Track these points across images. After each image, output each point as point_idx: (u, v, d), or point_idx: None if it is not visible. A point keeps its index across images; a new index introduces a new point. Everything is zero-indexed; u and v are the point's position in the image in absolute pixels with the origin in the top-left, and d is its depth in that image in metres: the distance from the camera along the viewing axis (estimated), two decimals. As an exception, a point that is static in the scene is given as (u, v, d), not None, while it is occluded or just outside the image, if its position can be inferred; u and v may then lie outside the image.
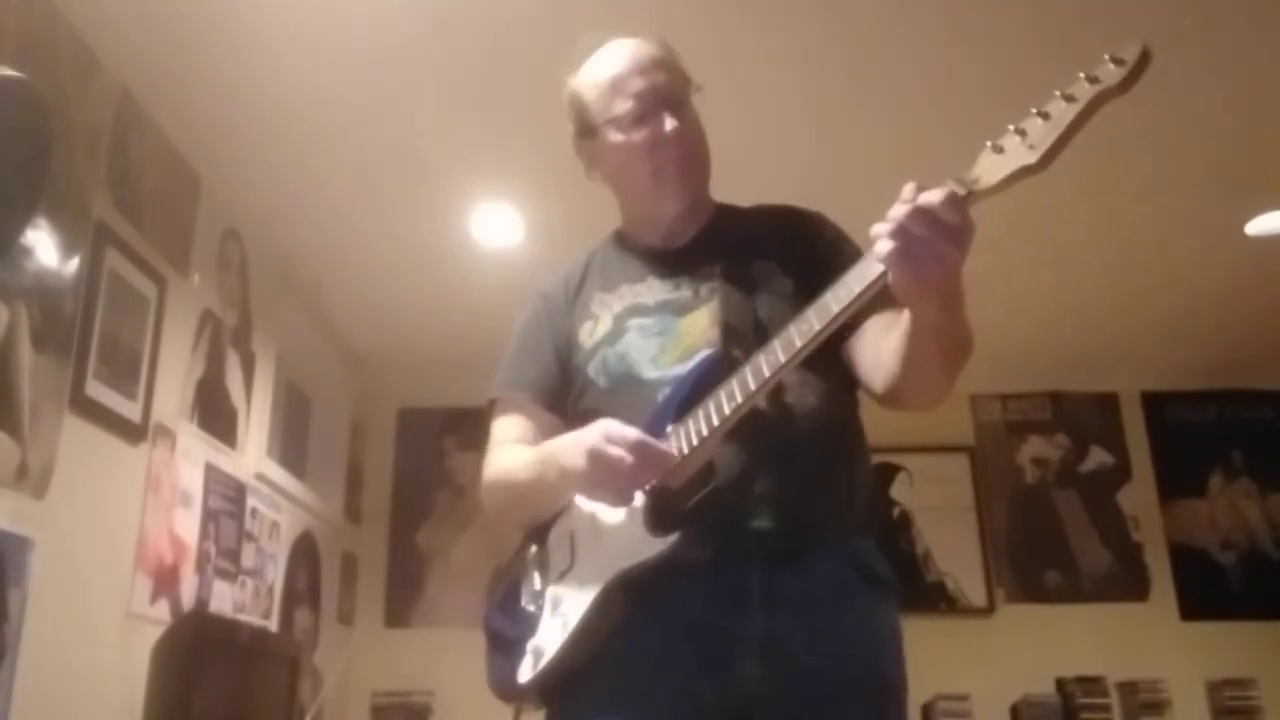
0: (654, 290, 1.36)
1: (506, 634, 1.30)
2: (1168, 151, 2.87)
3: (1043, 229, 3.23)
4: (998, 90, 2.46)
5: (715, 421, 1.13)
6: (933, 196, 0.98)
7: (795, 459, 1.21)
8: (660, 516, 1.16)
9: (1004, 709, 4.06)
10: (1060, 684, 4.07)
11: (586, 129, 1.40)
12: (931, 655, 4.03)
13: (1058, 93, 0.95)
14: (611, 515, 1.21)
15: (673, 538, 1.13)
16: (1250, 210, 3.23)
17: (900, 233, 0.98)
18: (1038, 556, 4.40)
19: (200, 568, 2.76)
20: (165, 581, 2.55)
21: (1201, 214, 3.23)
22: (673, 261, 1.38)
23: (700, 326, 1.29)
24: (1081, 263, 3.55)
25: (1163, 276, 3.64)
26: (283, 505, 3.46)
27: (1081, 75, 0.94)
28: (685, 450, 1.15)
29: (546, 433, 1.35)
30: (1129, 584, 4.36)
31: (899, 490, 4.50)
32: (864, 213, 1.23)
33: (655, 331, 1.31)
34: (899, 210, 0.99)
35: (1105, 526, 4.45)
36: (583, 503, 1.26)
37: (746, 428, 1.15)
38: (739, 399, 1.12)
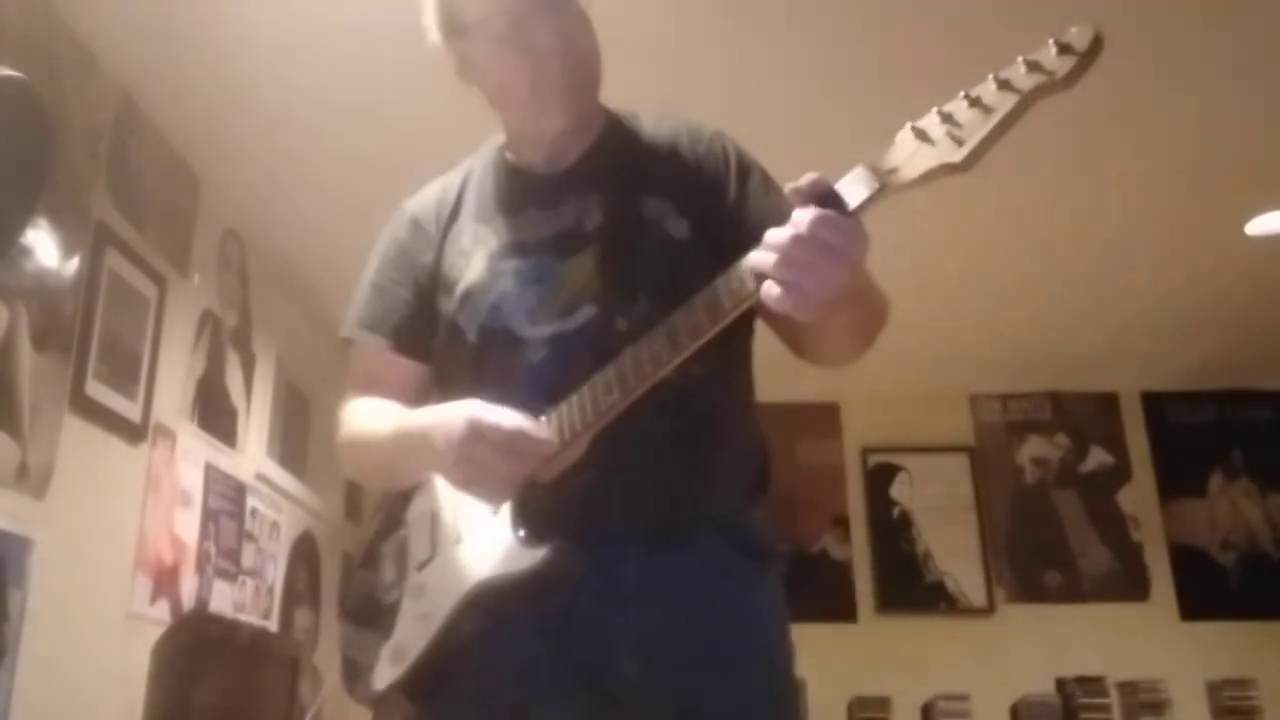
0: (535, 225, 1.20)
1: (363, 628, 1.19)
2: (1168, 151, 2.87)
3: (1043, 229, 3.23)
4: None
5: (591, 416, 1.03)
6: (810, 228, 0.87)
7: (678, 442, 1.11)
8: (529, 519, 1.06)
9: (1004, 709, 4.06)
10: (1060, 684, 4.07)
11: (453, 28, 1.23)
12: (931, 655, 4.12)
13: (992, 76, 0.83)
14: (477, 505, 1.10)
15: (543, 551, 1.03)
16: (1250, 210, 3.23)
17: (779, 266, 0.88)
18: (1038, 556, 4.40)
19: (200, 568, 2.76)
20: (165, 581, 2.55)
21: (1201, 214, 3.23)
22: (556, 188, 1.21)
23: (583, 275, 1.14)
24: (1081, 263, 3.54)
25: (1163, 276, 3.63)
26: (283, 505, 3.46)
27: (1020, 60, 0.82)
28: (564, 439, 1.04)
29: (408, 382, 1.24)
30: (1129, 584, 4.36)
31: (899, 490, 4.50)
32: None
33: (533, 278, 1.16)
34: (778, 240, 0.89)
35: (1105, 526, 4.45)
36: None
37: (625, 410, 1.03)
38: (616, 394, 1.01)
